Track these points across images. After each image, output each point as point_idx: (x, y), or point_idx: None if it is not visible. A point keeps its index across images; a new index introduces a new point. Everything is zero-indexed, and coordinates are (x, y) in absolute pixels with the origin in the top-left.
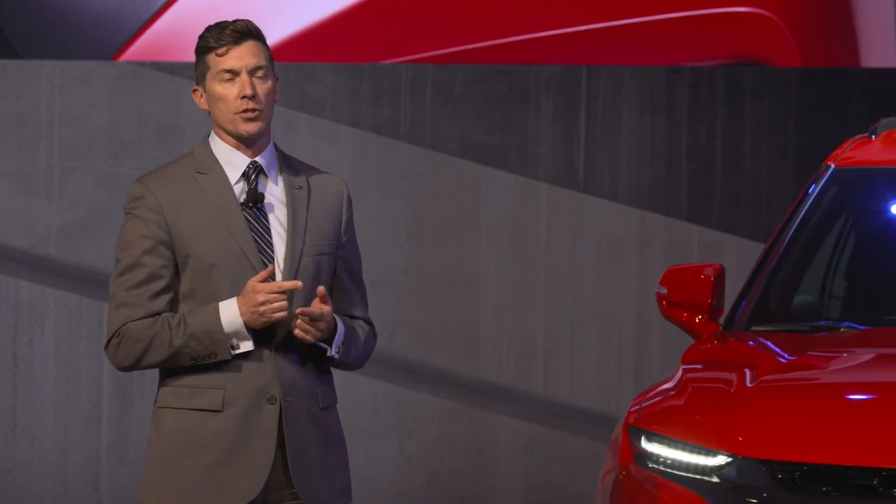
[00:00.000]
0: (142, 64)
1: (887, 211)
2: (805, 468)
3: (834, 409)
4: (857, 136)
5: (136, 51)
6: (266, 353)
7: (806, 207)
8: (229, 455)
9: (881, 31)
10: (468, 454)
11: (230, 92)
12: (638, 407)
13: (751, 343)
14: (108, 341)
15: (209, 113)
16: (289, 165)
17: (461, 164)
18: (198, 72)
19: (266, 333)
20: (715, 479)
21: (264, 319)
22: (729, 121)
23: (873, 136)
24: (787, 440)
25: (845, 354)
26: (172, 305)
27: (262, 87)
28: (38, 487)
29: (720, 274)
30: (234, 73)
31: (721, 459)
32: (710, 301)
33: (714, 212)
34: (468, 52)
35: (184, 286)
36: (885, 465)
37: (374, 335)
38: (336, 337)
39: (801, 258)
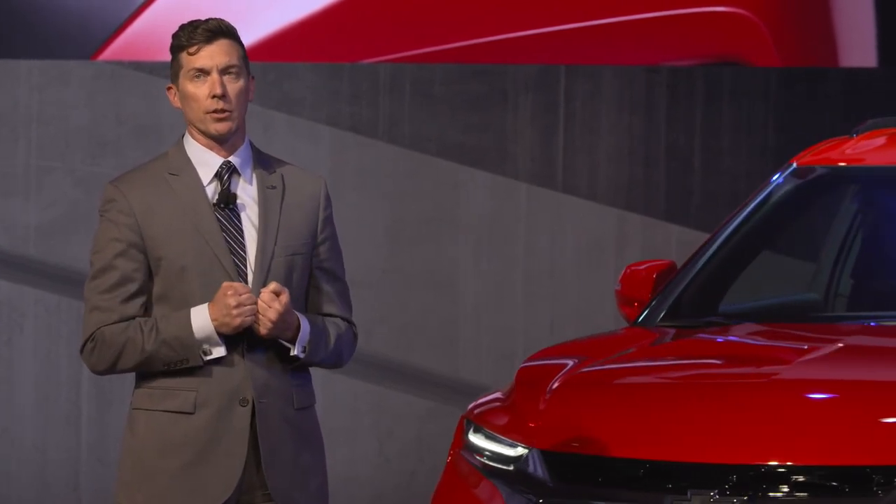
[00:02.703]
0: (120, 63)
1: (838, 210)
2: (580, 459)
3: (620, 402)
4: (842, 136)
5: (114, 50)
6: (238, 354)
7: (752, 205)
8: (201, 457)
9: (860, 30)
10: (448, 454)
11: (201, 91)
12: (478, 401)
13: (614, 336)
14: (84, 345)
15: (183, 112)
16: (264, 164)
17: (440, 163)
18: (172, 70)
19: (238, 335)
20: (511, 469)
21: (236, 324)
22: (707, 120)
23: (854, 136)
24: (569, 432)
25: (685, 351)
26: (146, 308)
27: (234, 87)
28: (17, 487)
29: (666, 271)
30: (205, 72)
31: (519, 451)
32: (650, 298)
33: (692, 211)
34: (446, 52)
35: (156, 289)
36: (651, 457)
37: (355, 334)
38: (300, 335)
39: (732, 255)
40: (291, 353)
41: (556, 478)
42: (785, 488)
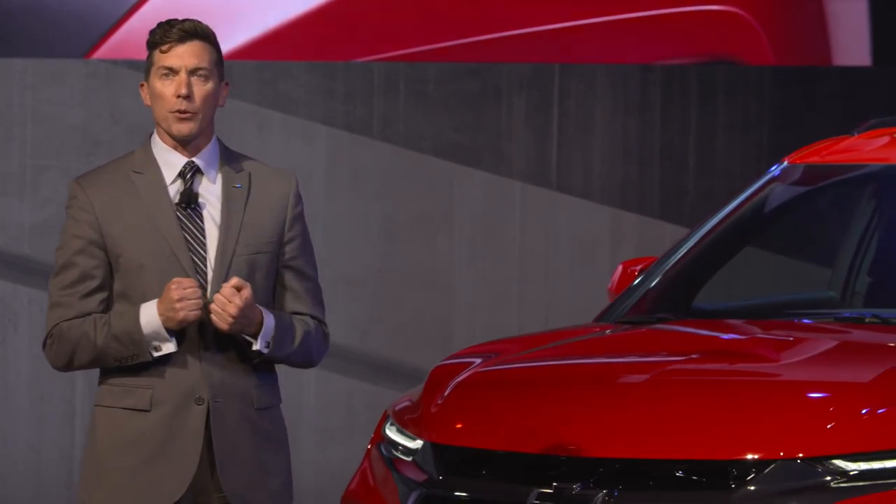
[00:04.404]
0: (115, 62)
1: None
2: (464, 452)
3: (506, 398)
4: (841, 135)
5: (109, 49)
6: (195, 353)
7: (736, 202)
8: (155, 455)
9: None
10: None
11: (167, 90)
12: (402, 396)
13: (552, 333)
14: (44, 341)
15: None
16: (232, 163)
17: (434, 162)
18: (146, 67)
19: (195, 334)
20: (409, 460)
21: (180, 318)
22: (702, 119)
23: (854, 134)
24: (458, 427)
25: (597, 347)
26: (107, 305)
27: (201, 89)
28: (12, 486)
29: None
30: (174, 72)
31: (417, 443)
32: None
33: (687, 210)
34: (440, 51)
35: (117, 286)
36: (526, 450)
37: (325, 332)
38: (264, 330)
39: (710, 251)
40: (254, 348)
41: (443, 470)
42: (646, 482)
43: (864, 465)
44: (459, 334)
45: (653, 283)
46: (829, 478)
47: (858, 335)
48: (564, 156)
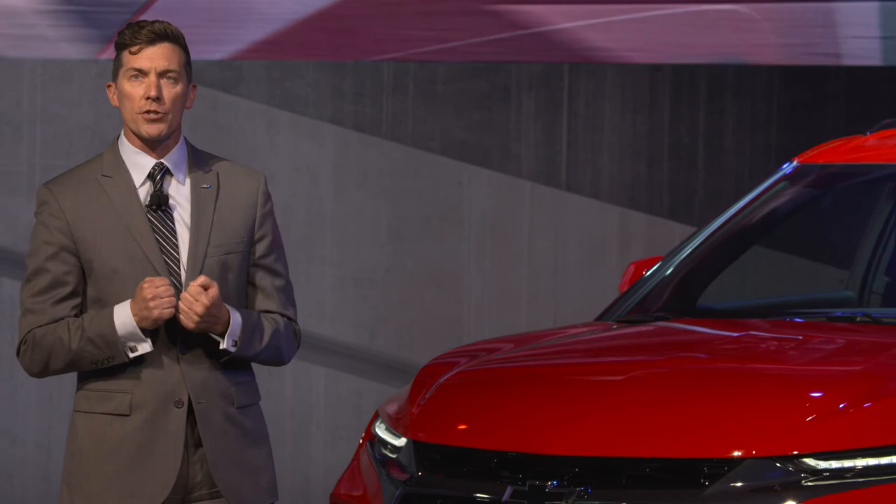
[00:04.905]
0: None
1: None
2: (444, 450)
3: (486, 396)
4: (853, 135)
5: None
6: (173, 356)
7: (743, 202)
8: (136, 459)
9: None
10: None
11: (136, 91)
12: (393, 395)
13: (547, 332)
14: (18, 348)
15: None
16: (200, 164)
17: (443, 161)
18: (114, 68)
19: (173, 336)
20: (394, 458)
21: (154, 316)
22: (711, 119)
23: (868, 134)
24: (439, 425)
25: (584, 346)
26: (80, 311)
27: (170, 91)
28: (20, 486)
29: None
30: (143, 73)
31: (402, 441)
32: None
33: (695, 210)
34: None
35: (90, 291)
36: (502, 448)
37: (296, 330)
38: (230, 328)
39: (717, 251)
40: (221, 347)
41: (423, 467)
42: (619, 479)
43: (835, 464)
44: (468, 333)
45: (656, 282)
46: (800, 476)
47: (845, 334)
48: (573, 155)
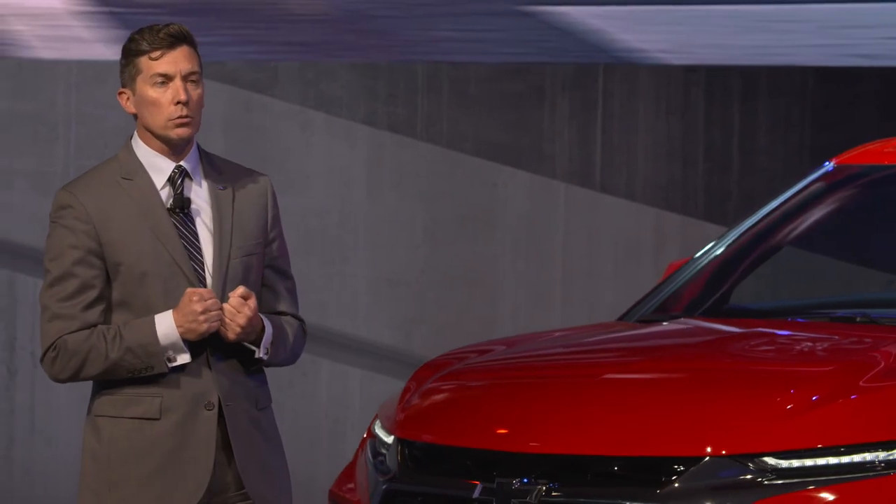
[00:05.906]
0: None
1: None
2: (425, 448)
3: (466, 395)
4: (890, 137)
5: None
6: (203, 359)
7: (777, 203)
8: (167, 463)
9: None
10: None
11: (164, 97)
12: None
13: (555, 333)
14: (44, 354)
15: (135, 116)
16: (212, 166)
17: (477, 162)
18: (126, 74)
19: (203, 340)
20: (381, 456)
21: (203, 329)
22: (745, 120)
23: None
24: (422, 423)
25: (582, 345)
26: (106, 315)
27: (195, 93)
28: (54, 487)
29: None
30: (168, 78)
31: (390, 439)
32: None
33: (730, 211)
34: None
35: (116, 295)
36: (476, 446)
37: (304, 331)
38: (264, 337)
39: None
40: (256, 356)
41: (406, 465)
42: (585, 477)
43: (795, 462)
44: (502, 334)
45: (683, 281)
46: (759, 474)
47: (838, 334)
48: (608, 156)
